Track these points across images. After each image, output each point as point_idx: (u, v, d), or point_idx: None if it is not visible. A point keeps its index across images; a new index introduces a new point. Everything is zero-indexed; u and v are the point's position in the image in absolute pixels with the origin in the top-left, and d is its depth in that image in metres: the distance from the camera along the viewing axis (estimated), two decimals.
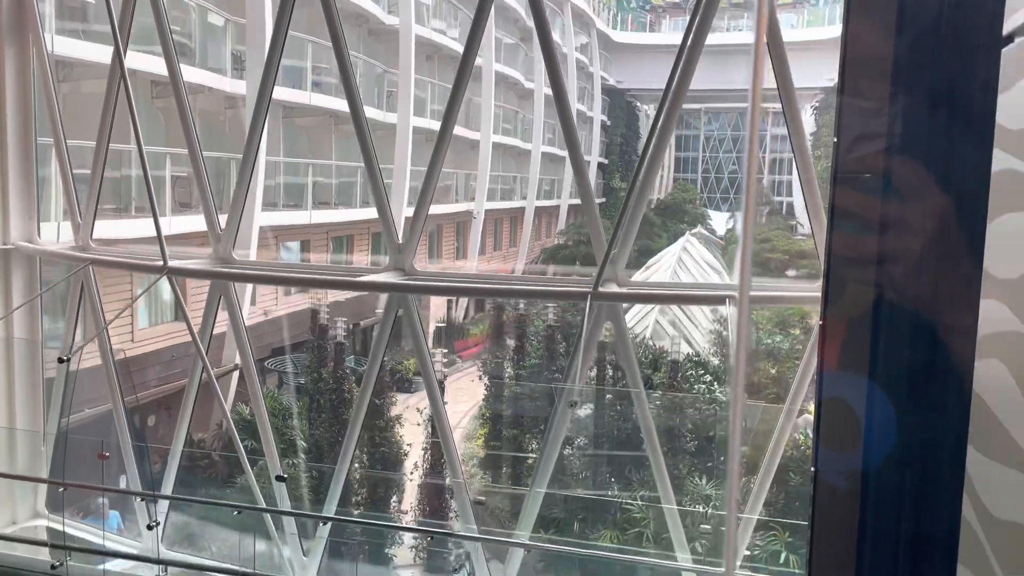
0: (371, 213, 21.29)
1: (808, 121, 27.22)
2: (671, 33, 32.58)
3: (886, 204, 3.05)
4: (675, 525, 9.13)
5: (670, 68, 7.64)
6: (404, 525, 15.19)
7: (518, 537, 9.41)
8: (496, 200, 28.21)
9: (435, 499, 15.08)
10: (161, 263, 9.14)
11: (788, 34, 7.85)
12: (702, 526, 11.98)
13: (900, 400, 3.07)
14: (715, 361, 17.83)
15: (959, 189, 2.87)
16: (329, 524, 9.62)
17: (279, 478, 9.46)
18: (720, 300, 8.53)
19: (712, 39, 7.78)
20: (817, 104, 28.63)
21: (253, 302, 19.38)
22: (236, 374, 17.81)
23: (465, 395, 20.32)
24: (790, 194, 34.85)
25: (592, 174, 30.51)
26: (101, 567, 9.59)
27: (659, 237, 28.83)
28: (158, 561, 9.07)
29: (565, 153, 29.55)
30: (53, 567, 8.86)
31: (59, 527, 10.10)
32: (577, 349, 8.32)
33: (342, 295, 21.68)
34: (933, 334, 2.95)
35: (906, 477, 3.10)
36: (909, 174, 3.03)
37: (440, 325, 25.42)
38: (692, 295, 10.64)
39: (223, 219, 9.63)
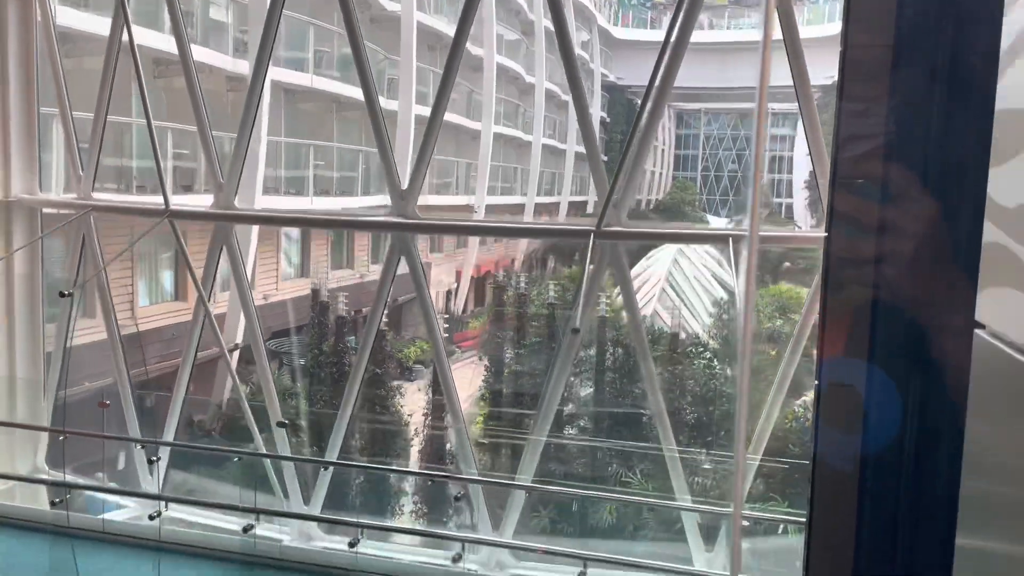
0: (371, 201, 21.36)
1: None
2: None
3: (884, 206, 3.15)
4: (677, 475, 9.10)
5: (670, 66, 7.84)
6: (404, 469, 15.14)
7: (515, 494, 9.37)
8: (496, 195, 28.20)
9: (436, 463, 15.05)
10: (163, 206, 9.14)
11: None
12: (704, 467, 11.93)
13: (898, 389, 3.16)
14: (714, 344, 17.81)
15: (958, 190, 2.93)
16: (330, 471, 9.58)
17: (280, 424, 9.43)
18: (723, 239, 8.56)
19: (712, 37, 7.90)
20: (815, 103, 28.63)
21: (252, 286, 19.33)
22: (236, 355, 17.76)
23: (466, 384, 20.28)
24: (790, 195, 34.77)
25: None
26: (101, 517, 9.55)
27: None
28: (158, 497, 9.04)
29: (565, 146, 29.74)
30: (53, 504, 8.84)
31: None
32: (579, 289, 8.34)
33: (341, 284, 21.61)
34: (930, 326, 3.04)
35: (904, 462, 3.18)
36: (907, 177, 3.11)
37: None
38: (695, 234, 10.71)
39: None
